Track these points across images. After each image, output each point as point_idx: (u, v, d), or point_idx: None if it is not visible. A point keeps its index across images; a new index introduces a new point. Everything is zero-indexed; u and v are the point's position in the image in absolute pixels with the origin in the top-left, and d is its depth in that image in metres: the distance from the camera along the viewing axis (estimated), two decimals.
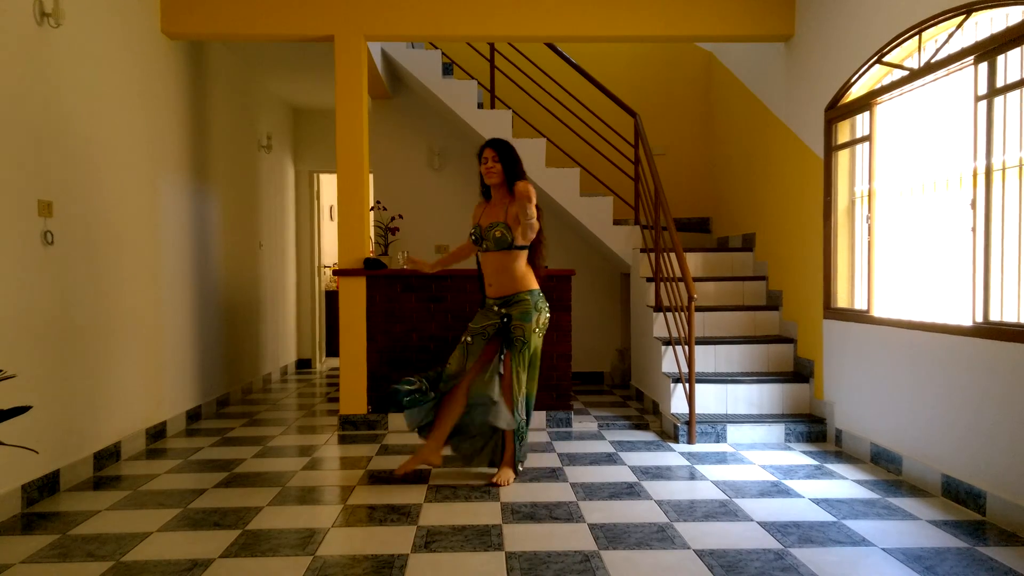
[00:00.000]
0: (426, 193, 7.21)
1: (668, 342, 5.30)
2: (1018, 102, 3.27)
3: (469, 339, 3.91)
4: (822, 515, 3.39)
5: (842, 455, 4.47)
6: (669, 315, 5.37)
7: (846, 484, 3.89)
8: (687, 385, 4.80)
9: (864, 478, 3.99)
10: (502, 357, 3.93)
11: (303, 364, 8.69)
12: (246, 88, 6.86)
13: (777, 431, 4.79)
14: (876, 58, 4.26)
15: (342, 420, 5.19)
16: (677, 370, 5.04)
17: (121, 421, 4.46)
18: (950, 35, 3.76)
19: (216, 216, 6.03)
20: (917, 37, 4.00)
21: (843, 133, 4.73)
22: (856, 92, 4.58)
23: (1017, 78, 3.28)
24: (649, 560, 2.88)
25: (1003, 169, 3.35)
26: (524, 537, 3.12)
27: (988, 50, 3.40)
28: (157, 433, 4.92)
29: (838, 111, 4.69)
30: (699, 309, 5.56)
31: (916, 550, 2.98)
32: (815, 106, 4.96)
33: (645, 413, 5.70)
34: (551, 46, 6.63)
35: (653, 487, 3.83)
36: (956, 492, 3.56)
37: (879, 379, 4.23)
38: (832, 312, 4.76)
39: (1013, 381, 3.21)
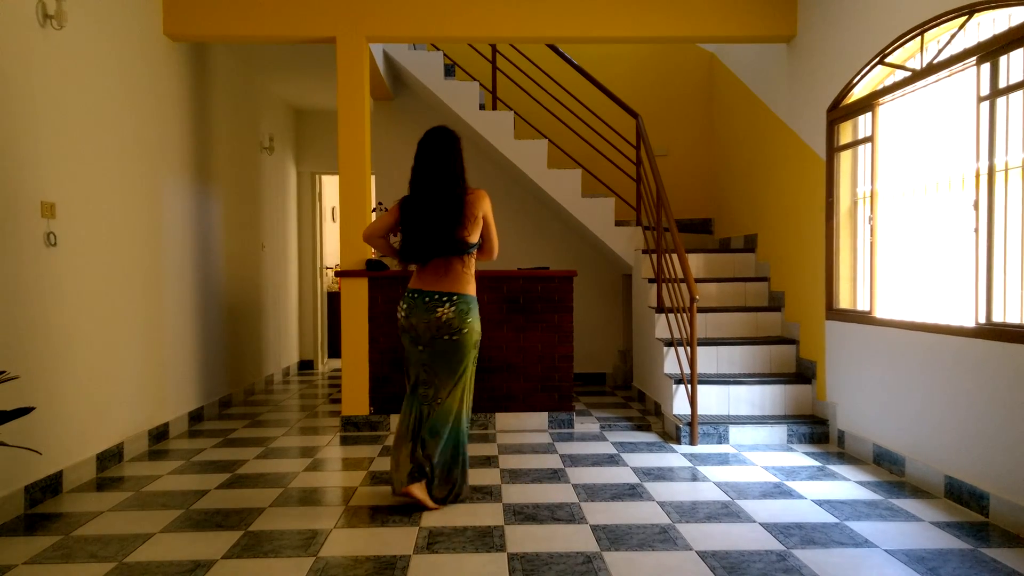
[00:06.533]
0: None
1: (670, 343, 5.29)
2: (1020, 103, 3.27)
3: None
4: (824, 516, 3.38)
5: (844, 456, 4.47)
6: (671, 316, 5.36)
7: (848, 485, 3.88)
8: (689, 386, 4.80)
9: (866, 479, 3.99)
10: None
11: (305, 365, 8.69)
12: (248, 89, 6.86)
13: (779, 432, 4.79)
14: (878, 59, 4.26)
15: (344, 421, 5.19)
16: (679, 371, 5.04)
17: (124, 422, 4.47)
18: (952, 36, 3.75)
19: (218, 217, 6.03)
20: (919, 38, 4.00)
21: (845, 134, 4.73)
22: (858, 93, 4.57)
23: (1019, 79, 3.27)
24: (651, 561, 2.88)
25: (1006, 170, 3.35)
26: (526, 538, 3.12)
27: (990, 51, 3.40)
28: (160, 434, 4.92)
29: (840, 112, 4.68)
30: (701, 310, 5.56)
31: (919, 551, 2.97)
32: (817, 107, 4.96)
33: (647, 414, 5.70)
34: (553, 47, 6.63)
35: (655, 488, 3.83)
36: (959, 493, 3.56)
37: (882, 380, 4.22)
38: (834, 313, 4.75)
39: (1016, 382, 3.20)
